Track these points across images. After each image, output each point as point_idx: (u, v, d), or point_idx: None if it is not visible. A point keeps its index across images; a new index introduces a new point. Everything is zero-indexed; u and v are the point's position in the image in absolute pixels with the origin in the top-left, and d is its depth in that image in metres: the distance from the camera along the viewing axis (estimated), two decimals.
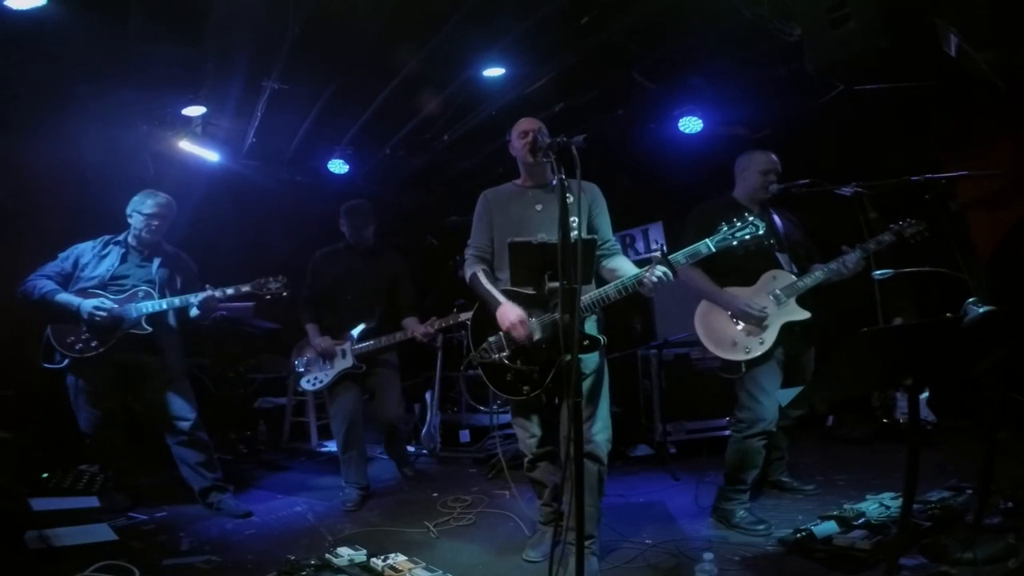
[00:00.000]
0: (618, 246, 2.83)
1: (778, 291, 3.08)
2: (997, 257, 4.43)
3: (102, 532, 3.01)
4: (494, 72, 4.42)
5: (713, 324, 3.12)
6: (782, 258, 3.20)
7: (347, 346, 3.87)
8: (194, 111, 4.88)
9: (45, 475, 3.46)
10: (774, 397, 3.05)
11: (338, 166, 5.78)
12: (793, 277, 3.12)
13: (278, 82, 4.29)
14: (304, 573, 2.52)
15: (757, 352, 3.00)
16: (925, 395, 4.29)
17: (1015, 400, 3.04)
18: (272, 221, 6.09)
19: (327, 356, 3.89)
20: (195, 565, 2.77)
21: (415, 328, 3.91)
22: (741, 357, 3.03)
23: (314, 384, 3.92)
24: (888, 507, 2.74)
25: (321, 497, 3.93)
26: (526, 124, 2.78)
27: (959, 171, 3.48)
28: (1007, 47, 3.58)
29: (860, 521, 2.62)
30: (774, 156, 3.29)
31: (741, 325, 3.06)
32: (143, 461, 3.97)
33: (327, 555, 2.67)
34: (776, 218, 3.32)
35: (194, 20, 3.66)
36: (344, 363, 3.86)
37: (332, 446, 5.90)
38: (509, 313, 2.51)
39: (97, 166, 4.72)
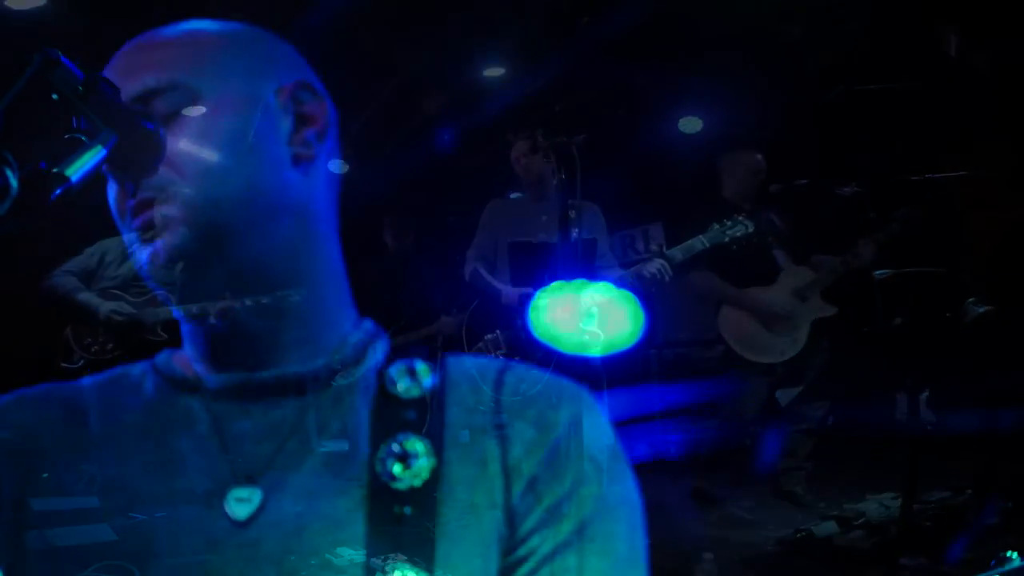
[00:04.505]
0: (615, 261, 2.89)
1: (800, 287, 3.02)
2: (997, 257, 4.42)
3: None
4: (494, 72, 4.41)
5: (741, 329, 3.02)
6: (779, 255, 3.16)
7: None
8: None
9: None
10: None
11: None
12: (810, 273, 3.07)
13: None
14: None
15: (792, 352, 2.95)
16: (925, 395, 4.28)
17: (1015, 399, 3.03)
18: None
19: None
20: None
21: (452, 324, 4.03)
22: (776, 359, 2.97)
23: None
24: (888, 507, 2.74)
25: None
26: (522, 148, 2.81)
27: (959, 171, 3.47)
28: (1006, 47, 3.58)
29: (860, 521, 2.62)
30: (759, 156, 3.27)
31: (767, 326, 2.99)
32: None
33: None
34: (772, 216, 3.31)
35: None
36: None
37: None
38: (513, 293, 2.59)
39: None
